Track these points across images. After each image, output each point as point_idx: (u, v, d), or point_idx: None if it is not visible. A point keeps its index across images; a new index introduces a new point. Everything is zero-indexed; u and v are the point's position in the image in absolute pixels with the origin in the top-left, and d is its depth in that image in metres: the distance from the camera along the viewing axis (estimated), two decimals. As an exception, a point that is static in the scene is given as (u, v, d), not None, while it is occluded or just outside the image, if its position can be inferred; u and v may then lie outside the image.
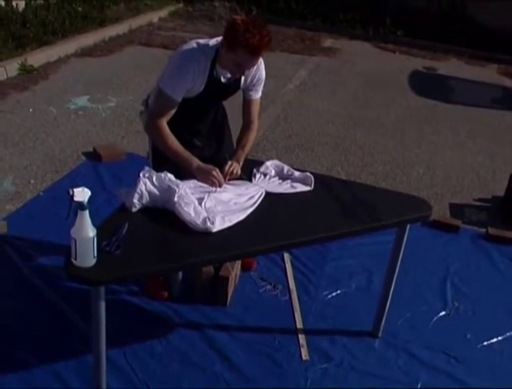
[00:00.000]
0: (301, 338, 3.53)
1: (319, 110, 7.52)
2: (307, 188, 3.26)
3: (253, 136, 3.50)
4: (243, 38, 2.93)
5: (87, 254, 2.34)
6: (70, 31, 9.04)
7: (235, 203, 2.99)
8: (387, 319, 3.59)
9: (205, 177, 3.09)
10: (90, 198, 2.43)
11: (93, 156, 5.42)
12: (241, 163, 3.31)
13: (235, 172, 3.19)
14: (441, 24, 11.71)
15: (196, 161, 3.14)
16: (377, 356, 3.49)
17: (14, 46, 7.92)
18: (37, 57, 7.89)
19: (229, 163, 3.20)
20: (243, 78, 3.33)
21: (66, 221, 2.49)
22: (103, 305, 2.45)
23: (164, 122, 3.17)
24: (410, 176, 5.92)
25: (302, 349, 3.44)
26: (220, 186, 3.08)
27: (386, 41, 11.66)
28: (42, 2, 9.57)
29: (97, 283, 2.39)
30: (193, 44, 3.20)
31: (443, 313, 3.91)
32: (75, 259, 2.34)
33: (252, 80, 3.39)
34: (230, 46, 3.01)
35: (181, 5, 12.65)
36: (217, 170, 3.11)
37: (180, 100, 3.17)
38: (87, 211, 2.29)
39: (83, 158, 5.42)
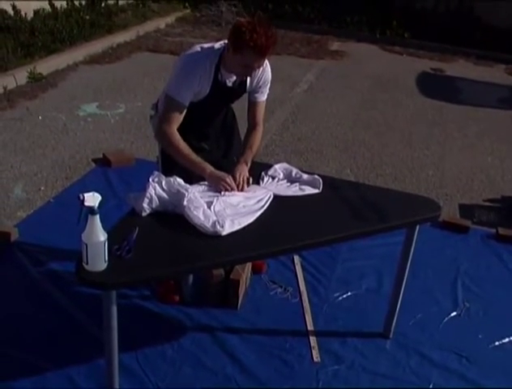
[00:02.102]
0: (312, 340, 3.54)
1: (327, 113, 7.54)
2: (315, 190, 3.27)
3: (259, 138, 3.52)
4: (250, 38, 2.94)
5: (98, 259, 2.35)
6: (78, 38, 9.10)
7: (244, 206, 2.99)
8: (398, 320, 3.59)
9: (217, 184, 3.09)
10: (100, 203, 2.44)
11: (103, 162, 5.45)
12: (249, 163, 3.32)
13: (245, 179, 3.19)
14: (448, 25, 11.71)
15: (209, 167, 3.15)
16: (388, 357, 3.49)
17: (23, 55, 7.98)
18: (46, 65, 7.94)
19: (238, 173, 3.19)
20: (249, 80, 3.35)
21: (76, 226, 2.50)
22: (114, 309, 2.47)
23: (174, 129, 3.18)
24: (419, 177, 5.92)
25: (313, 351, 3.45)
26: (238, 190, 3.10)
27: (393, 43, 11.67)
28: (50, 10, 9.62)
29: (108, 287, 2.41)
30: (197, 48, 3.22)
31: (454, 313, 3.91)
32: (87, 264, 2.36)
33: (258, 82, 3.39)
34: (237, 48, 3.02)
35: (188, 11, 12.71)
36: (230, 177, 3.12)
37: (187, 103, 3.18)
38: (97, 216, 2.31)
39: (93, 164, 5.45)
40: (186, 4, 12.79)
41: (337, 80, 9.06)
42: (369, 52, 11.20)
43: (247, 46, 2.97)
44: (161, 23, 11.57)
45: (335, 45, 11.31)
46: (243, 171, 3.22)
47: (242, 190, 3.14)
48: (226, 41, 3.15)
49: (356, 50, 11.09)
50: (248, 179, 3.21)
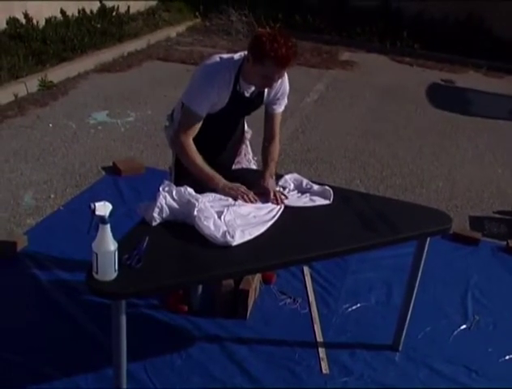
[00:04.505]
0: (321, 351, 3.52)
1: (337, 123, 7.53)
2: (326, 201, 3.26)
3: (278, 149, 3.52)
4: (271, 49, 2.93)
5: (108, 268, 2.35)
6: (89, 47, 9.14)
7: (254, 217, 2.99)
8: (407, 333, 3.57)
9: (232, 196, 3.10)
10: (111, 213, 2.44)
11: (113, 171, 5.46)
12: (274, 176, 3.35)
13: (278, 193, 3.21)
14: (458, 36, 11.69)
15: (222, 181, 3.15)
16: (397, 369, 3.47)
17: (34, 63, 8.01)
18: (57, 73, 7.97)
19: (270, 188, 3.21)
20: (266, 92, 3.34)
21: (86, 235, 2.50)
22: (124, 318, 2.47)
23: (189, 139, 3.17)
24: (429, 188, 5.91)
25: (322, 363, 3.43)
26: (252, 201, 3.10)
27: (403, 54, 11.66)
28: (62, 19, 9.67)
29: (118, 296, 2.41)
30: (216, 58, 3.21)
31: (464, 326, 3.89)
32: (96, 273, 2.35)
33: (276, 94, 3.39)
34: (257, 58, 3.01)
35: (198, 20, 12.74)
36: (244, 188, 3.13)
37: (204, 114, 3.18)
38: (108, 225, 2.31)
39: (103, 172, 5.46)
40: (197, 13, 12.83)
41: (347, 90, 9.06)
42: (378, 62, 11.20)
43: (268, 57, 2.96)
44: (172, 32, 11.61)
45: (345, 56, 11.31)
46: (274, 185, 3.25)
47: (278, 202, 3.15)
48: (245, 52, 3.14)
49: (366, 61, 11.09)
50: (279, 193, 3.22)
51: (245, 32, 11.72)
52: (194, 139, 3.20)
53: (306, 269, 4.25)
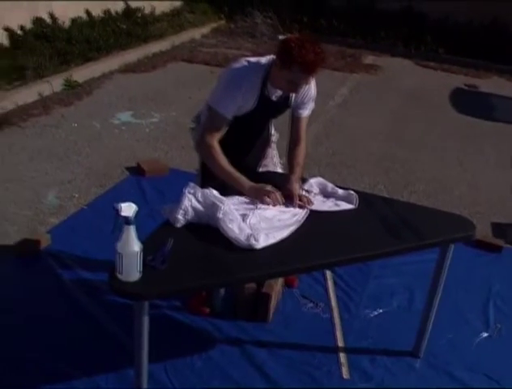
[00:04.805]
0: (342, 356, 3.51)
1: (361, 127, 7.51)
2: (351, 206, 3.25)
3: (304, 153, 3.51)
4: (298, 55, 2.93)
5: (132, 269, 2.36)
6: (114, 47, 9.20)
7: (278, 220, 2.98)
8: (429, 339, 3.55)
9: (259, 196, 3.10)
10: (135, 213, 2.45)
11: (137, 171, 5.49)
12: (300, 180, 3.35)
13: (304, 198, 3.20)
14: (482, 41, 11.61)
15: (248, 182, 3.14)
16: (417, 376, 3.44)
17: (59, 62, 8.08)
18: (82, 73, 8.04)
19: (296, 192, 3.20)
20: (293, 96, 3.33)
21: (109, 235, 2.51)
22: (146, 319, 2.47)
23: (215, 142, 3.17)
24: (452, 194, 5.87)
25: (343, 368, 3.42)
26: (278, 201, 3.10)
27: (428, 59, 11.61)
28: (87, 19, 9.73)
29: (142, 298, 2.41)
30: (243, 62, 3.22)
31: (485, 334, 3.85)
32: (120, 274, 2.36)
33: (303, 98, 3.38)
34: (285, 64, 3.01)
35: (223, 22, 12.77)
36: (270, 187, 3.13)
37: (231, 117, 3.18)
38: (133, 226, 2.31)
39: (127, 173, 5.48)
40: (222, 15, 12.86)
41: (371, 94, 9.04)
42: (402, 67, 11.16)
43: (295, 62, 2.96)
44: (196, 33, 11.66)
45: (369, 59, 11.29)
46: (299, 189, 3.25)
47: (304, 207, 3.14)
48: (273, 56, 3.15)
49: (390, 65, 11.06)
50: (305, 196, 3.22)
51: (269, 35, 11.74)
52: (221, 142, 3.20)
53: (328, 273, 4.24)
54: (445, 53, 11.73)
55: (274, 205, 3.08)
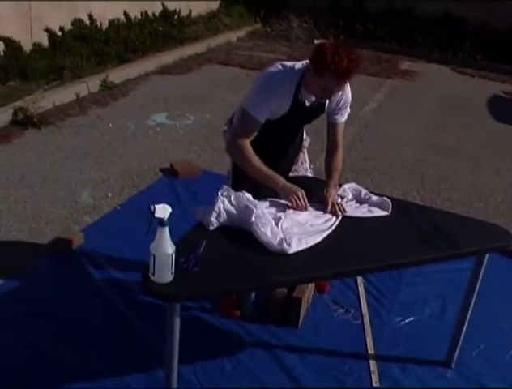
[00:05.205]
0: (372, 364, 3.48)
1: (396, 133, 7.46)
2: (384, 213, 3.23)
3: (341, 158, 3.50)
4: (332, 62, 2.92)
5: (165, 271, 2.37)
6: (150, 49, 9.29)
7: (311, 225, 2.98)
8: (461, 349, 3.50)
9: (289, 197, 3.09)
10: (169, 215, 2.45)
11: (170, 172, 5.51)
12: (337, 186, 3.34)
13: (338, 204, 3.19)
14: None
15: (282, 180, 3.15)
16: (449, 386, 3.39)
17: (96, 63, 8.19)
18: (118, 74, 8.12)
19: (330, 198, 3.19)
20: (328, 101, 3.32)
21: (142, 236, 2.52)
22: (178, 321, 2.48)
23: (247, 143, 3.18)
24: (487, 203, 5.80)
25: (373, 375, 3.39)
26: (304, 209, 3.09)
27: (465, 65, 11.50)
28: (125, 21, 9.82)
29: (174, 299, 2.42)
30: (278, 66, 3.21)
31: (520, 346, 3.80)
32: (153, 275, 2.37)
33: (337, 104, 3.37)
34: (318, 70, 3.00)
35: (258, 25, 12.80)
36: (303, 192, 3.12)
37: (263, 121, 3.18)
38: (166, 228, 2.32)
39: (160, 174, 5.51)
40: (258, 19, 12.89)
41: (406, 100, 8.97)
42: (439, 73, 11.07)
43: (328, 69, 2.95)
44: (232, 36, 11.70)
45: (405, 65, 11.21)
46: (335, 196, 3.24)
47: (336, 214, 3.13)
48: (307, 61, 3.14)
49: (427, 71, 10.98)
50: (339, 204, 3.20)
51: (305, 39, 11.73)
52: (254, 146, 3.20)
53: (360, 279, 4.21)
54: (483, 59, 11.60)
55: (296, 206, 3.07)
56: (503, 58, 11.40)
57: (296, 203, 3.07)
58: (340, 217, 3.10)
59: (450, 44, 11.87)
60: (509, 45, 11.57)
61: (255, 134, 3.20)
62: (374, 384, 3.33)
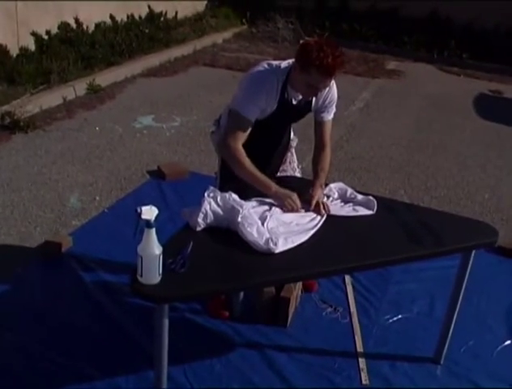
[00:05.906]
0: (361, 362, 3.49)
1: (382, 133, 7.49)
2: (369, 212, 3.24)
3: (329, 158, 3.51)
4: (317, 58, 2.94)
5: (152, 272, 2.37)
6: (136, 52, 9.28)
7: (297, 224, 2.99)
8: (450, 346, 3.52)
9: (283, 202, 3.10)
10: (156, 217, 2.46)
11: (157, 174, 5.52)
12: (323, 186, 3.34)
13: (323, 204, 3.20)
14: (507, 47, 11.51)
15: (274, 185, 3.15)
16: (438, 383, 3.41)
17: (83, 67, 8.17)
18: (105, 77, 8.11)
19: (316, 198, 3.20)
20: (314, 99, 3.34)
21: (130, 238, 2.52)
22: (166, 322, 2.48)
23: (239, 145, 3.17)
24: (474, 200, 5.83)
25: (362, 373, 3.40)
26: (297, 212, 3.10)
27: (451, 64, 11.54)
28: (111, 24, 9.80)
29: (162, 300, 2.43)
30: (264, 65, 3.23)
31: (508, 342, 3.80)
32: (141, 276, 2.38)
33: (324, 102, 3.39)
34: (303, 67, 3.02)
35: (245, 27, 12.79)
36: (295, 195, 3.13)
37: (253, 120, 3.18)
38: (153, 229, 2.33)
39: (148, 176, 5.51)
40: (244, 20, 12.89)
41: (393, 100, 9.01)
42: (425, 72, 11.11)
43: (313, 65, 2.97)
44: (218, 38, 11.70)
45: (392, 64, 11.25)
46: (320, 195, 3.24)
47: (320, 214, 3.14)
48: (293, 60, 3.15)
49: (413, 70, 11.02)
50: (324, 203, 3.21)
51: (291, 40, 11.73)
52: (242, 147, 3.20)
53: (348, 278, 4.23)
54: (470, 58, 11.64)
55: (291, 210, 3.09)
56: (489, 57, 11.45)
57: (292, 207, 3.09)
58: (325, 216, 3.11)
59: (436, 43, 11.89)
60: (495, 44, 11.63)
61: (247, 134, 3.19)
62: (364, 382, 3.34)
